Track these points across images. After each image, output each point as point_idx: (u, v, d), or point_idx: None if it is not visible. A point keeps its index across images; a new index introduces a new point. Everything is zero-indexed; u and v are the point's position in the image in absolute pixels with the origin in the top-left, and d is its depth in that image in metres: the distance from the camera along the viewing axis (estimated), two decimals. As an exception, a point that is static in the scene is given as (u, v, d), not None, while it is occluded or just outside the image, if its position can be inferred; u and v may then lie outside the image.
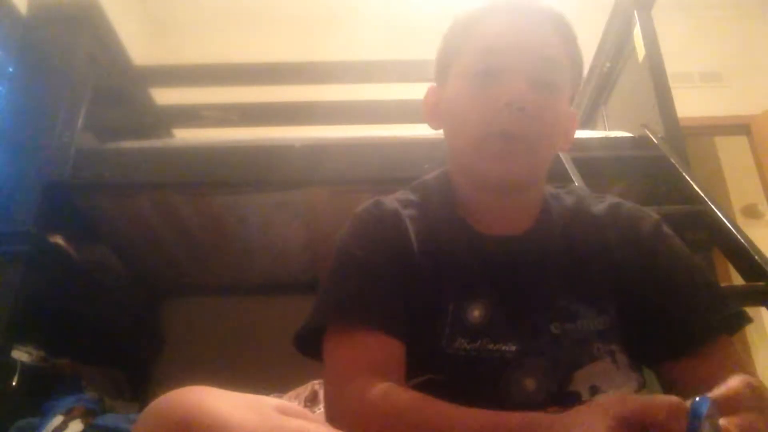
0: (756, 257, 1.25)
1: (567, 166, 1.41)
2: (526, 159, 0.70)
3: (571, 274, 0.70)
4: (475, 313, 0.66)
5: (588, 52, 2.07)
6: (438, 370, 0.65)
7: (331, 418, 0.62)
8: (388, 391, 0.59)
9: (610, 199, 0.79)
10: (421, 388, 0.61)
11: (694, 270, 0.72)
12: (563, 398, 0.63)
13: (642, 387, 0.69)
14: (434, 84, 0.82)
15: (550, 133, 0.72)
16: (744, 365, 0.65)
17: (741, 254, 1.29)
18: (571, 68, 0.75)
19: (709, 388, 0.60)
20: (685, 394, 0.64)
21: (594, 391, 0.64)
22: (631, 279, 0.70)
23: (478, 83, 0.71)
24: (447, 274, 0.69)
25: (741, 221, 3.55)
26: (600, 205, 0.77)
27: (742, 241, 1.30)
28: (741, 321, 0.69)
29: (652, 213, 0.76)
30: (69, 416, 1.36)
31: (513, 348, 0.65)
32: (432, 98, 0.81)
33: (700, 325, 0.66)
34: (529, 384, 0.63)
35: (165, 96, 2.24)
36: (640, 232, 0.73)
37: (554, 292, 0.69)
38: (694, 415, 0.42)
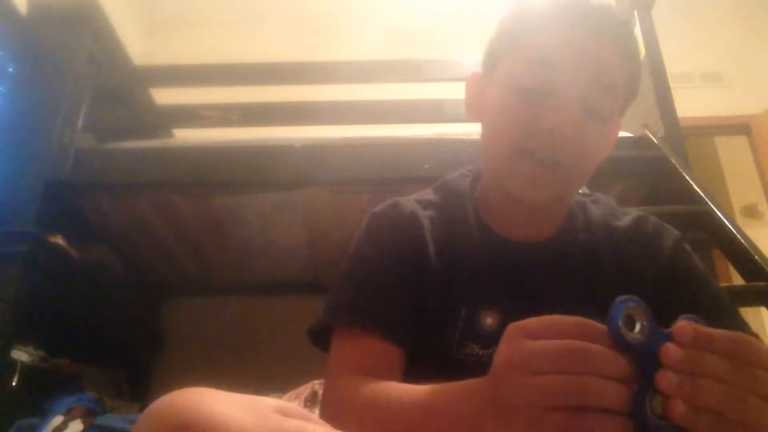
0: (756, 257, 1.25)
1: (567, 166, 1.41)
2: (557, 186, 0.67)
3: (590, 285, 0.69)
4: (488, 320, 0.66)
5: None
6: (447, 375, 0.65)
7: (321, 412, 0.64)
8: (360, 384, 0.60)
9: (636, 213, 0.78)
10: None
11: (711, 288, 0.72)
12: None
13: None
14: (479, 72, 0.77)
15: (589, 161, 0.69)
16: None
17: (741, 254, 1.29)
18: (625, 88, 0.69)
19: None
20: None
21: None
22: (649, 291, 0.69)
23: (524, 99, 0.66)
24: (462, 278, 0.69)
25: (741, 221, 3.55)
26: (625, 218, 0.76)
27: (742, 241, 1.30)
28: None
29: (674, 230, 0.76)
30: (69, 416, 1.36)
31: None
32: (475, 88, 0.76)
33: None
34: None
35: (165, 96, 2.24)
36: (661, 246, 0.73)
37: (571, 300, 0.68)
38: (611, 316, 0.41)
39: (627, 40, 0.68)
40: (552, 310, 0.66)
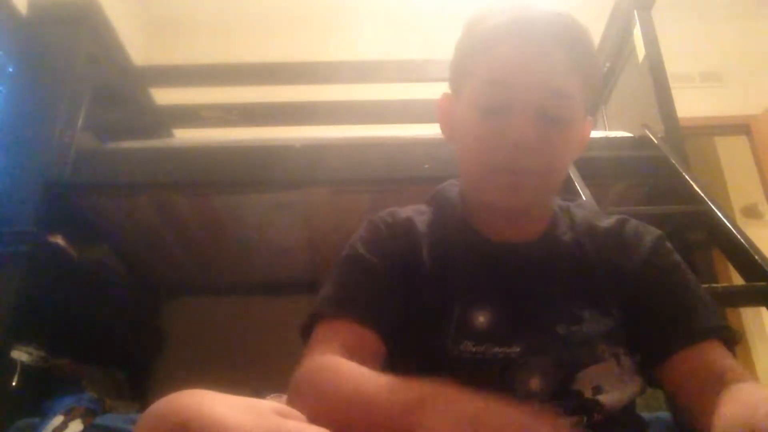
0: (756, 257, 1.25)
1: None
2: (534, 190, 0.71)
3: (577, 281, 0.72)
4: (480, 319, 0.68)
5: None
6: (442, 371, 0.66)
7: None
8: (327, 359, 0.62)
9: (618, 216, 0.82)
10: None
11: (690, 282, 0.74)
12: (564, 396, 0.65)
13: (643, 391, 0.71)
14: (449, 92, 0.81)
15: (559, 164, 0.73)
16: (737, 365, 0.65)
17: (741, 254, 1.29)
18: (584, 91, 0.72)
19: (705, 382, 0.62)
20: (684, 389, 0.66)
21: (597, 390, 0.66)
22: (632, 286, 0.73)
23: (487, 118, 0.71)
24: (454, 279, 0.72)
25: (741, 221, 3.55)
26: (608, 220, 0.80)
27: (742, 241, 1.30)
28: (733, 336, 0.70)
29: (655, 229, 0.79)
30: (69, 416, 1.36)
31: (517, 350, 0.66)
32: (446, 107, 0.81)
33: (695, 325, 0.69)
34: (534, 384, 0.65)
35: (165, 96, 2.24)
36: (641, 245, 0.76)
37: (560, 297, 0.70)
38: None
39: (577, 44, 0.71)
40: (542, 304, 0.69)
